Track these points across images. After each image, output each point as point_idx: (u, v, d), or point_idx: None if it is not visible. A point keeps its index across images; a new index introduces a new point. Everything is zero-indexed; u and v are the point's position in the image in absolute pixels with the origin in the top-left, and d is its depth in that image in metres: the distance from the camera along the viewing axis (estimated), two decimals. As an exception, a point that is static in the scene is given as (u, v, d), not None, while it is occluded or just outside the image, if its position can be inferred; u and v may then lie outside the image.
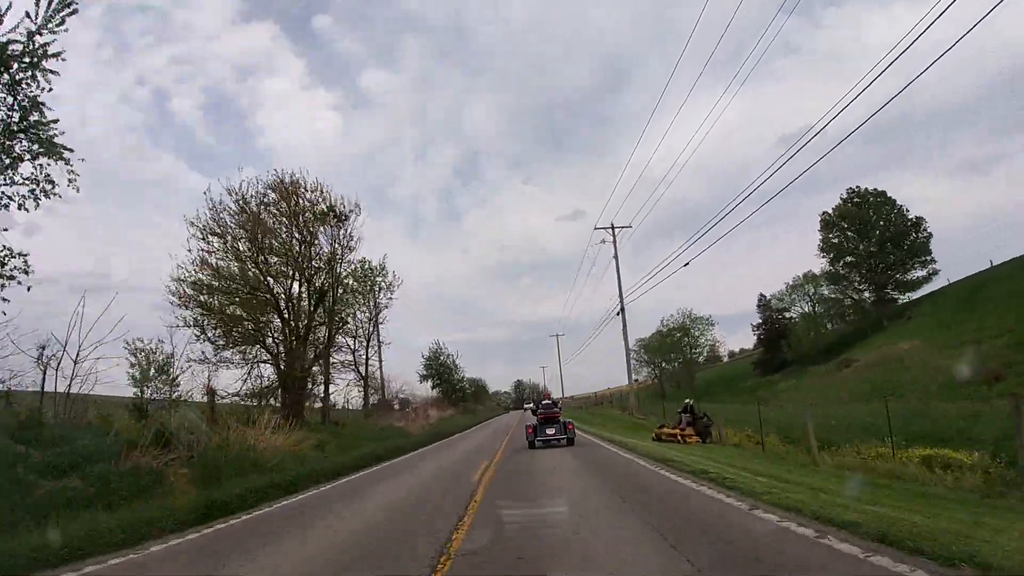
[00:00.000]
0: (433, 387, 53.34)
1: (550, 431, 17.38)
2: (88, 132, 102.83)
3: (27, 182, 8.48)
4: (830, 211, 61.05)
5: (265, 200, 17.79)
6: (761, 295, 62.18)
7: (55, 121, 8.36)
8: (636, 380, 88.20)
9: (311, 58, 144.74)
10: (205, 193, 18.44)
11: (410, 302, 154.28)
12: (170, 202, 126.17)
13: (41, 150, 8.36)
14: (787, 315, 61.72)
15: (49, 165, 8.53)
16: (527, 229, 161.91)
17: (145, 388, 11.31)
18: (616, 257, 32.53)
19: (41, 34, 8.01)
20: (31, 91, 8.23)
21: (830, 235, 59.37)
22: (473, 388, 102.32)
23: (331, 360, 22.34)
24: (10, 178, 8.38)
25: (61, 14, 8.02)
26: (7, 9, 7.78)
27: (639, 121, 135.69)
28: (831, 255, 59.52)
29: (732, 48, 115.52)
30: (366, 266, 29.65)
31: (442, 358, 55.45)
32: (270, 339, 18.19)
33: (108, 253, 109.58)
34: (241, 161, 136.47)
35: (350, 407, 29.05)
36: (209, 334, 16.95)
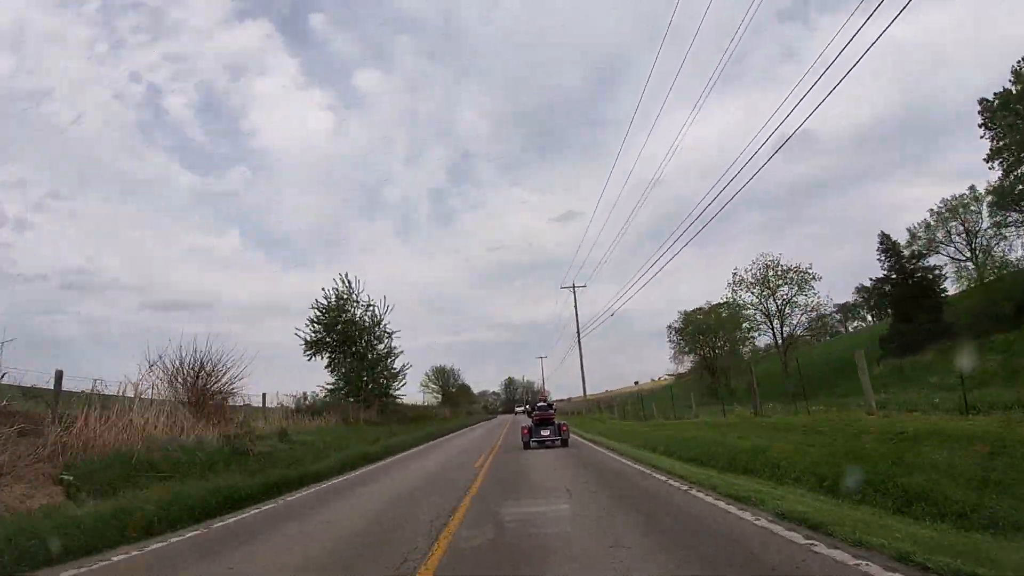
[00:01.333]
0: (331, 367, 28.42)
1: (545, 432, 17.76)
2: (82, 128, 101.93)
3: None
4: (992, 96, 37.83)
5: None
6: (883, 236, 38.15)
7: None
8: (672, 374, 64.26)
9: (305, 58, 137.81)
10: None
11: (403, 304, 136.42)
12: (162, 201, 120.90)
13: None
14: (927, 261, 38.03)
15: None
16: (521, 230, 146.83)
17: None
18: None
19: None
20: None
21: (1003, 123, 35.98)
22: (442, 382, 77.02)
23: None
24: None
25: None
26: None
27: (634, 123, 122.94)
28: (1005, 158, 36.17)
29: (728, 52, 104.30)
30: None
31: (346, 309, 28.84)
32: None
33: (99, 251, 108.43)
34: (233, 161, 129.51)
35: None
36: None
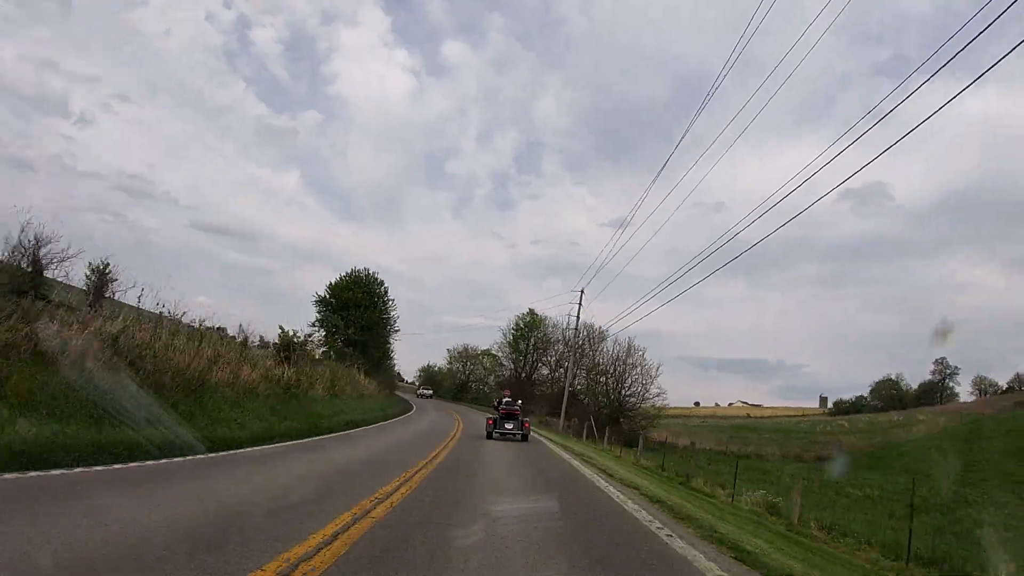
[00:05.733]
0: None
1: (508, 425, 18.63)
2: (169, 43, 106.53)
3: None
4: None
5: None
6: None
7: None
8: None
9: (397, 17, 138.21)
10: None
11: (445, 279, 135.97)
12: (232, 127, 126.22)
13: None
14: None
15: None
16: (573, 229, 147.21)
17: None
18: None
19: None
20: None
21: None
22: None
23: None
24: None
25: None
26: None
27: (703, 147, 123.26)
28: None
29: (812, 95, 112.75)
30: None
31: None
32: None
33: (158, 162, 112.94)
34: (309, 104, 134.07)
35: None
36: None
